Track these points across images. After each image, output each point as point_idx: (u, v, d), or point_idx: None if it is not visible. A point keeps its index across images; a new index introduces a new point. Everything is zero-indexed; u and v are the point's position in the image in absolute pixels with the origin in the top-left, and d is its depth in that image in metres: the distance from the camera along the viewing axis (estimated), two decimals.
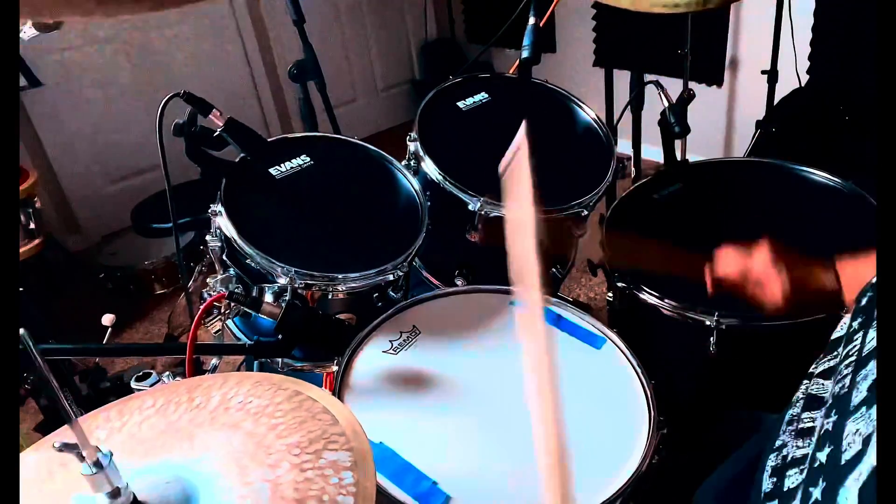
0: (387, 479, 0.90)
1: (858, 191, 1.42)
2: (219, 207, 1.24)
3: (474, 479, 0.92)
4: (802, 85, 2.69)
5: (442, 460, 0.93)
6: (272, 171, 1.36)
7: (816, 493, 0.61)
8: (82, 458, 0.59)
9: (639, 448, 0.95)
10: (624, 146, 2.12)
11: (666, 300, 1.26)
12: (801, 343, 1.05)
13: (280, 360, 1.29)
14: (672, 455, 1.00)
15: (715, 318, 1.19)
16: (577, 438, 0.98)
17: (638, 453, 0.94)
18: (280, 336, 1.11)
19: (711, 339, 1.20)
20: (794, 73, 2.66)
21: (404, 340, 1.15)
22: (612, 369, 1.10)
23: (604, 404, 1.04)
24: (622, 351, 1.13)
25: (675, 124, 1.55)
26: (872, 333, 0.63)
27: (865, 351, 0.64)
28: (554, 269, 1.58)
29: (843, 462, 0.58)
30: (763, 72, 2.65)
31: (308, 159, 1.41)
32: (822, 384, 0.73)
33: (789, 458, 0.71)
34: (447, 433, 0.99)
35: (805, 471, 0.66)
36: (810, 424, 0.71)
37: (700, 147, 2.53)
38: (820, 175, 1.49)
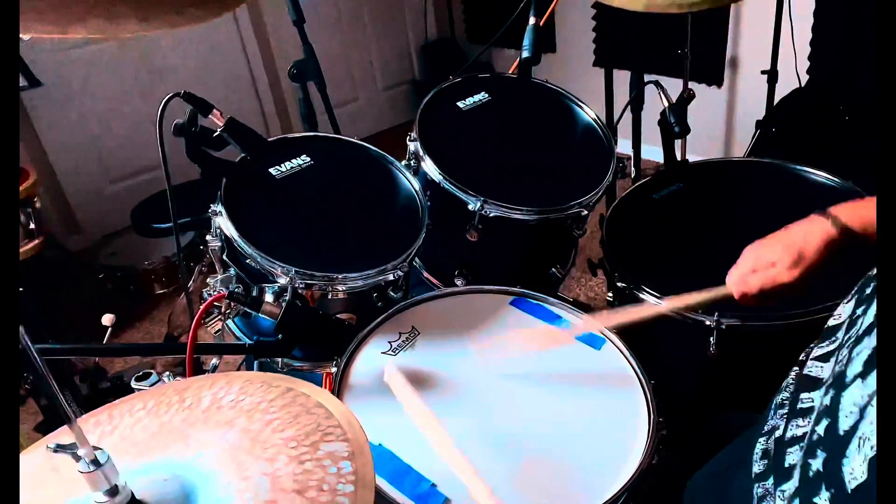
0: (385, 482, 0.90)
1: (858, 191, 1.42)
2: (219, 207, 1.24)
3: (473, 480, 0.91)
4: (802, 85, 2.69)
5: (441, 461, 0.93)
6: (272, 171, 1.36)
7: (816, 464, 0.62)
8: (78, 458, 0.59)
9: (639, 448, 0.95)
10: (624, 146, 2.11)
11: (666, 300, 1.25)
12: (801, 343, 1.04)
13: (280, 360, 1.29)
14: (672, 455, 1.00)
15: (715, 318, 1.19)
16: (578, 439, 0.99)
17: (638, 453, 0.94)
18: (280, 336, 1.11)
19: (711, 339, 1.20)
20: (794, 73, 2.66)
21: (403, 342, 1.15)
22: (612, 369, 1.10)
23: (604, 404, 1.04)
24: (622, 351, 1.13)
25: (675, 124, 1.55)
26: (870, 313, 0.64)
27: (862, 329, 0.64)
28: (554, 269, 1.58)
29: (841, 433, 0.59)
30: (763, 72, 2.65)
31: (308, 159, 1.41)
32: (821, 366, 0.73)
33: (787, 437, 0.71)
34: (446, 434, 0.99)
35: (803, 447, 0.67)
36: (809, 404, 0.71)
37: (700, 147, 2.53)
38: (820, 175, 1.49)
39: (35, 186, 2.17)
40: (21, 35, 0.63)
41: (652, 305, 1.21)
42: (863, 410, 0.57)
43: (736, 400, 1.34)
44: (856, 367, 0.61)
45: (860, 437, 0.56)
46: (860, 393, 0.58)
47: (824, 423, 0.63)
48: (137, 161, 3.28)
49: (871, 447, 0.54)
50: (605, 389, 1.07)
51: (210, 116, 1.25)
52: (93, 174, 3.25)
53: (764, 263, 0.94)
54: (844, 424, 0.59)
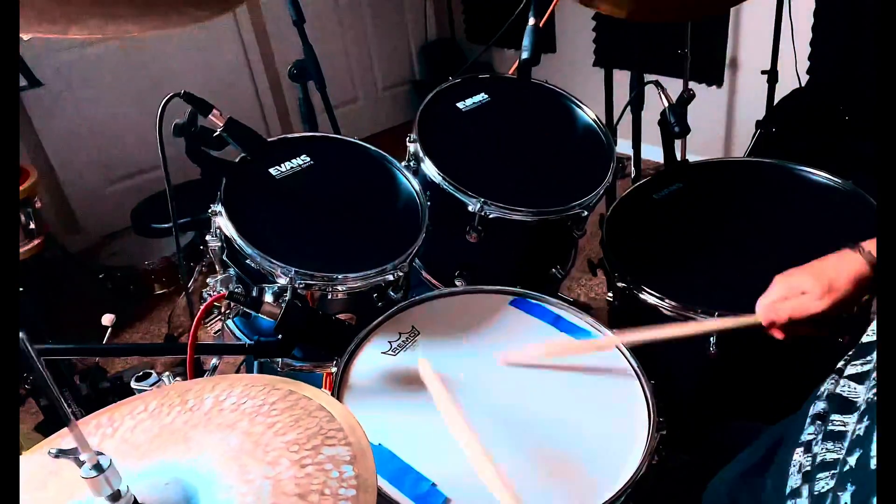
0: (386, 481, 0.90)
1: (858, 191, 1.42)
2: (219, 207, 1.24)
3: (473, 480, 0.91)
4: (802, 85, 2.69)
5: (441, 461, 0.93)
6: (272, 171, 1.36)
7: (845, 497, 0.60)
8: (80, 463, 0.59)
9: (639, 449, 0.95)
10: (624, 146, 2.11)
11: (666, 300, 1.26)
12: (800, 343, 1.05)
13: (280, 360, 1.29)
14: (672, 455, 1.00)
15: (715, 318, 1.19)
16: (578, 439, 0.99)
17: (638, 454, 0.94)
18: (280, 336, 1.11)
19: (711, 339, 1.20)
20: (794, 73, 2.66)
21: (403, 342, 1.15)
22: (613, 369, 1.10)
23: (604, 404, 1.04)
24: (622, 351, 1.13)
25: (675, 124, 1.54)
26: None
27: None
28: (554, 270, 1.58)
29: (872, 467, 0.57)
30: (763, 72, 2.65)
31: (308, 159, 1.40)
32: (854, 388, 0.72)
33: (818, 461, 0.70)
34: (446, 434, 0.99)
35: (835, 475, 0.66)
36: (841, 428, 0.70)
37: (700, 147, 2.53)
38: (820, 175, 1.49)
39: (35, 186, 2.17)
40: (21, 35, 0.63)
41: (677, 326, 1.16)
42: None
43: (736, 401, 1.34)
44: None
45: None
46: None
47: (856, 453, 0.61)
48: (137, 161, 3.28)
49: None
50: (605, 389, 1.07)
51: (210, 116, 1.25)
52: (93, 174, 3.25)
53: (795, 292, 0.93)
54: (875, 460, 0.57)
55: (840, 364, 0.79)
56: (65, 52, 3.01)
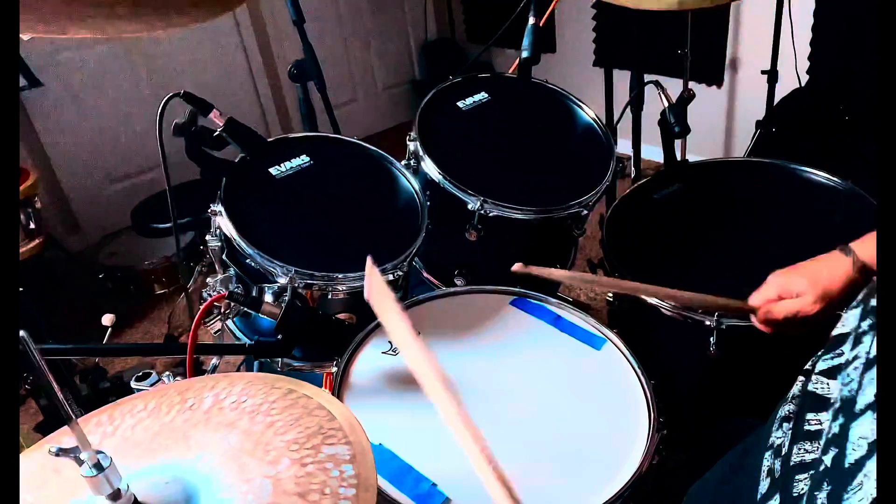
0: (386, 481, 0.90)
1: (858, 191, 1.42)
2: (219, 207, 1.24)
3: (473, 480, 0.91)
4: (802, 85, 2.69)
5: (441, 461, 0.93)
6: (272, 170, 1.36)
7: (822, 497, 0.60)
8: (80, 462, 0.59)
9: (639, 449, 0.95)
10: (624, 146, 2.12)
11: (666, 300, 1.25)
12: (800, 343, 1.05)
13: (280, 360, 1.29)
14: (672, 456, 1.00)
15: (715, 318, 1.19)
16: (578, 439, 0.99)
17: (638, 454, 0.94)
18: (280, 336, 1.11)
19: (711, 339, 1.20)
20: (794, 73, 2.66)
21: None
22: (612, 370, 1.10)
23: (604, 405, 1.04)
24: (622, 351, 1.13)
25: (675, 124, 1.54)
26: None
27: (874, 353, 0.62)
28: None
29: (846, 465, 0.57)
30: (763, 72, 2.65)
31: (308, 159, 1.40)
32: (827, 384, 0.71)
33: (797, 463, 0.69)
34: (446, 434, 0.99)
35: (813, 475, 0.65)
36: (817, 427, 0.69)
37: (700, 147, 2.53)
38: (820, 175, 1.49)
39: (35, 186, 2.17)
40: (21, 35, 0.63)
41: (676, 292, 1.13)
42: (872, 445, 0.54)
43: (736, 400, 1.34)
44: (868, 396, 0.59)
45: (865, 475, 0.54)
46: (871, 427, 0.56)
47: (832, 452, 0.61)
48: (137, 161, 3.28)
49: (875, 487, 0.51)
50: (605, 389, 1.07)
51: (210, 116, 1.25)
52: (93, 174, 3.25)
53: (790, 293, 0.97)
54: (850, 457, 0.57)
55: (808, 366, 0.79)
56: (65, 52, 3.00)
